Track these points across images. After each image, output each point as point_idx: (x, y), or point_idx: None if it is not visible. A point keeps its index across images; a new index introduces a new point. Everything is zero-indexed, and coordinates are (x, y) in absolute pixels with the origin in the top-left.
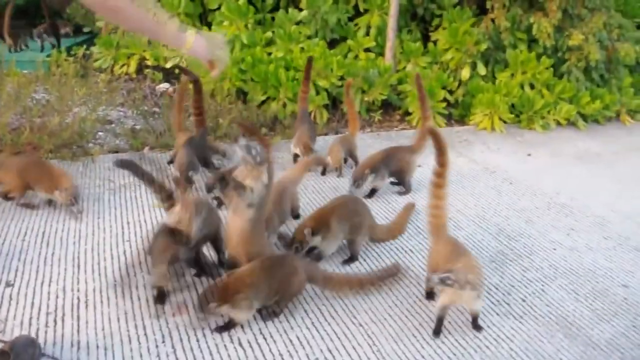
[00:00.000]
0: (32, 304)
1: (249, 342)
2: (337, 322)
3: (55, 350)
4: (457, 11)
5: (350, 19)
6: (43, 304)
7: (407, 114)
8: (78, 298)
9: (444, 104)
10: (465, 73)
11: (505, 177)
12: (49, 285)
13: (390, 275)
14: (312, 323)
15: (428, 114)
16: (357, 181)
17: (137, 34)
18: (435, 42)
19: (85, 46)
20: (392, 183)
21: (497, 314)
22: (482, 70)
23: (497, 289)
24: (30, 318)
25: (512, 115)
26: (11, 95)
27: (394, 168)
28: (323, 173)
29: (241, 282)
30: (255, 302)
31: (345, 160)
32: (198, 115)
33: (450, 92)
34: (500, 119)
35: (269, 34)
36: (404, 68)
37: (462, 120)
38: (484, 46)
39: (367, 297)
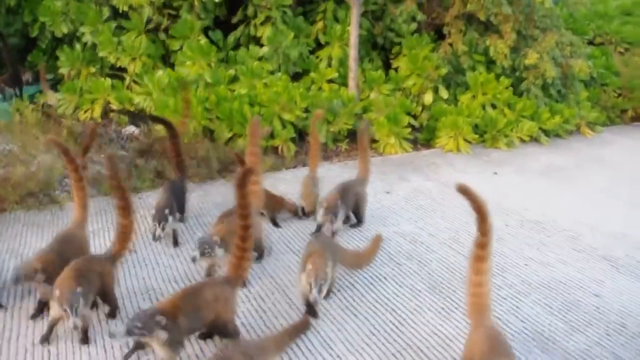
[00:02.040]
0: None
1: None
2: (313, 354)
3: None
4: (416, 38)
5: (312, 52)
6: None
7: (374, 141)
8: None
9: (409, 129)
10: (427, 97)
11: None
12: (17, 340)
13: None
14: (290, 357)
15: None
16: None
17: None
18: (396, 69)
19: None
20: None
21: None
22: (444, 93)
23: None
24: None
25: (477, 136)
26: None
27: (352, 203)
28: (299, 216)
29: None
30: None
31: None
32: (177, 158)
33: (415, 117)
34: (465, 140)
35: (232, 71)
36: (368, 96)
37: (428, 144)
38: (444, 70)
39: (343, 328)
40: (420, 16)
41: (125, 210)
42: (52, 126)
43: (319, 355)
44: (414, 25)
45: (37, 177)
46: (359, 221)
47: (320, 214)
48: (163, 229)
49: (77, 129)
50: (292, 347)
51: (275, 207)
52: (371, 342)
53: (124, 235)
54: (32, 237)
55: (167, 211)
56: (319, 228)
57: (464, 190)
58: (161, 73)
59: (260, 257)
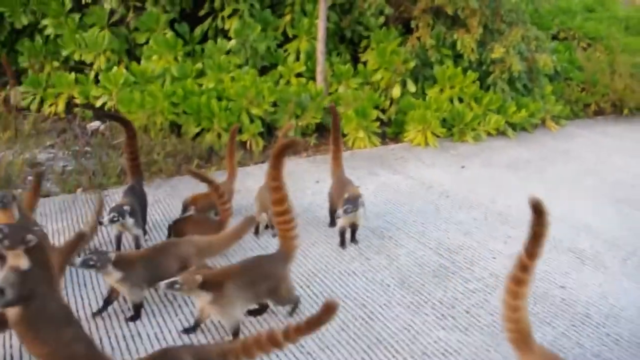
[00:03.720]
0: None
1: None
2: (285, 352)
3: None
4: (384, 32)
5: (280, 46)
6: None
7: (343, 135)
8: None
9: (377, 123)
10: (396, 91)
11: (442, 190)
12: None
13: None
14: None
15: (340, 146)
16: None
17: None
18: (365, 63)
19: (7, 87)
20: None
21: (443, 328)
22: (412, 87)
23: (441, 303)
24: None
25: (444, 130)
26: None
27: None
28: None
29: None
30: None
31: None
32: (133, 161)
33: (383, 111)
34: (433, 133)
35: (199, 65)
36: (336, 90)
37: (396, 138)
38: (412, 64)
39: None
40: (388, 10)
41: None
42: (13, 121)
43: (290, 353)
44: (381, 19)
45: None
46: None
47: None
48: (113, 221)
49: (43, 125)
50: None
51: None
52: (342, 338)
53: None
54: None
55: (126, 208)
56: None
57: (537, 206)
58: (119, 69)
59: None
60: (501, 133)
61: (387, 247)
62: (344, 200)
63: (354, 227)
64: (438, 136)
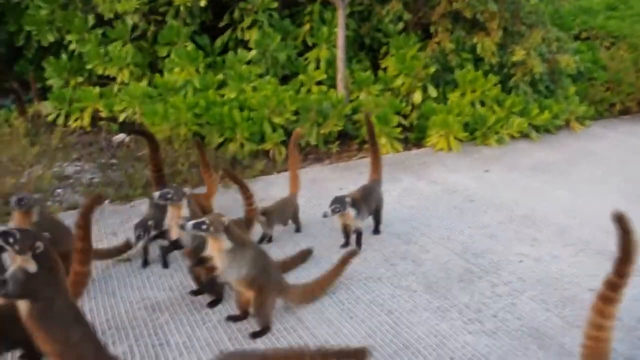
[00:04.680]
0: None
1: None
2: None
3: None
4: (403, 38)
5: (300, 54)
6: None
7: (364, 142)
8: None
9: (399, 129)
10: (417, 97)
11: (466, 195)
12: None
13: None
14: None
15: (377, 147)
16: (334, 205)
17: None
18: (385, 70)
19: (36, 103)
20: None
21: (470, 333)
22: (433, 92)
23: (467, 307)
24: None
25: (467, 134)
26: None
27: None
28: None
29: None
30: None
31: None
32: (157, 172)
33: (405, 117)
34: (455, 138)
35: (220, 76)
36: (357, 97)
37: (418, 143)
38: (432, 69)
39: (339, 331)
40: (406, 15)
41: None
42: (42, 136)
43: None
44: (400, 25)
45: (28, 188)
46: (378, 223)
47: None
48: (139, 238)
49: (69, 139)
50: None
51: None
52: (367, 344)
53: None
54: None
55: (150, 222)
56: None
57: (621, 221)
58: (139, 82)
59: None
60: (524, 136)
61: (413, 253)
62: (332, 200)
63: (357, 231)
64: (461, 140)
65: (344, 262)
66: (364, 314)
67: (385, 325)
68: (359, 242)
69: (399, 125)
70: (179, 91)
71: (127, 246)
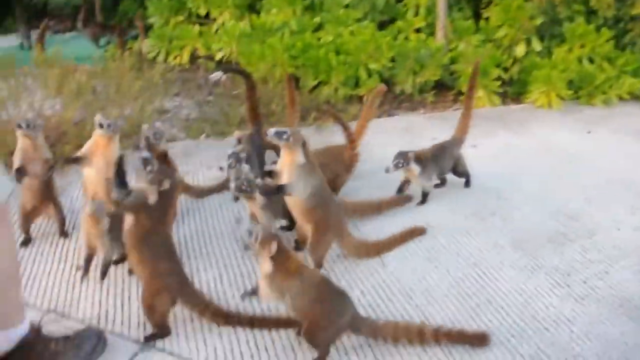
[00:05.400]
0: (101, 286)
1: None
2: (393, 303)
3: (123, 329)
4: None
5: (399, 0)
6: (111, 286)
7: (461, 93)
8: None
9: (499, 83)
10: (520, 50)
11: (564, 155)
12: (116, 269)
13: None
14: (370, 304)
15: (471, 102)
16: (397, 159)
17: None
18: (487, 19)
19: (139, 40)
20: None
21: (557, 296)
22: (537, 45)
23: (556, 270)
24: (100, 300)
25: (571, 92)
26: (74, 90)
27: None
28: None
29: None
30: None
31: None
32: (253, 111)
33: (505, 70)
34: (557, 95)
35: (317, 18)
36: (456, 47)
37: (517, 99)
38: (538, 21)
39: (424, 278)
40: None
41: None
42: (145, 71)
43: (399, 304)
44: None
45: (131, 120)
46: (467, 180)
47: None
48: (230, 167)
49: (169, 75)
50: (372, 294)
51: None
52: (451, 294)
53: None
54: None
55: (242, 155)
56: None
57: None
58: (237, 22)
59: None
60: (635, 97)
61: (503, 209)
62: (395, 154)
63: (423, 190)
64: (563, 98)
65: (409, 235)
66: (449, 264)
67: (470, 278)
68: (423, 200)
69: (499, 78)
70: (276, 32)
71: (222, 186)
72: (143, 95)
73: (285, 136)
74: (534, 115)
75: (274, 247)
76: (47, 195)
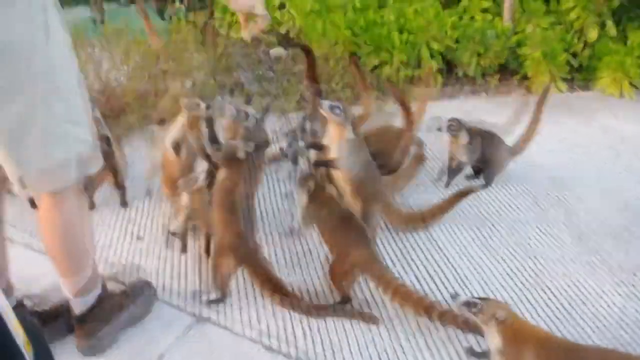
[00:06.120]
0: (159, 257)
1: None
2: (448, 289)
3: (179, 301)
4: None
5: None
6: (169, 258)
7: (526, 78)
8: (200, 255)
9: (567, 68)
10: (592, 33)
11: (636, 149)
12: (174, 242)
13: None
14: (424, 290)
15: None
16: (451, 122)
17: None
18: (558, 1)
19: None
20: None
21: (620, 295)
22: (612, 30)
23: (620, 268)
24: (158, 270)
25: None
26: (138, 62)
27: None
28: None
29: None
30: None
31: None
32: (313, 87)
33: (574, 55)
34: (631, 84)
35: None
36: (524, 30)
37: (586, 86)
38: (615, 2)
39: (479, 267)
40: None
41: None
42: (206, 45)
43: (450, 286)
44: None
45: (194, 94)
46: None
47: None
48: (290, 145)
49: (231, 49)
50: (426, 279)
51: None
52: (507, 285)
53: None
54: None
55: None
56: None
57: None
58: None
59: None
60: None
61: (567, 201)
62: (450, 118)
63: (458, 164)
64: (636, 87)
65: (454, 200)
66: (506, 254)
67: (527, 270)
68: (449, 179)
69: (567, 63)
70: (339, 9)
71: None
72: (205, 68)
73: (337, 111)
74: (603, 103)
75: (311, 184)
76: (108, 165)
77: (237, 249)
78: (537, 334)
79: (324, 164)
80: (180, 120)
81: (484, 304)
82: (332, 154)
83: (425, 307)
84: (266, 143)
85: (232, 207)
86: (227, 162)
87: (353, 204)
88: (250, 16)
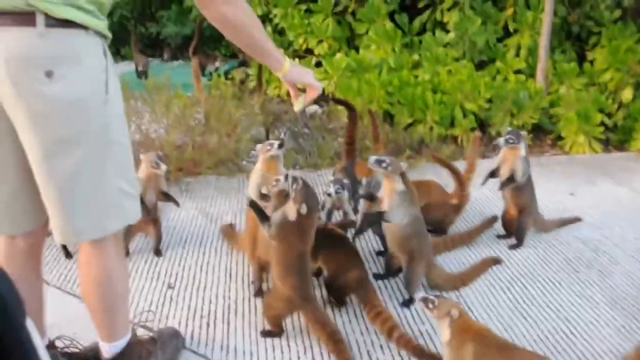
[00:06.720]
0: (189, 306)
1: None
2: None
3: (206, 351)
4: (619, 27)
5: (499, 40)
6: (198, 307)
7: (560, 138)
8: (229, 305)
9: (602, 128)
10: (626, 94)
11: None
12: (204, 291)
13: None
14: None
15: None
16: (510, 135)
17: (247, 52)
18: (592, 62)
19: (242, 69)
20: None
21: None
22: None
23: None
24: (187, 319)
25: None
26: (177, 115)
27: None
28: None
29: None
30: None
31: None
32: (350, 145)
33: (609, 116)
34: None
35: (415, 56)
36: (557, 90)
37: (621, 146)
38: None
39: (510, 328)
40: (627, 1)
41: None
42: (245, 101)
43: None
44: (617, 13)
45: (229, 147)
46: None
47: None
48: (337, 192)
49: (269, 106)
50: None
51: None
52: (539, 348)
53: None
54: (220, 200)
55: (346, 181)
56: None
57: None
58: (340, 55)
59: None
60: None
61: (600, 262)
62: (508, 130)
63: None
64: None
65: (486, 264)
66: (538, 316)
67: (560, 333)
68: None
69: (601, 124)
70: (374, 68)
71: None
72: (241, 124)
73: (384, 164)
74: (638, 164)
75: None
76: (152, 214)
77: (291, 300)
78: (478, 331)
79: (376, 218)
80: (258, 168)
81: (439, 301)
82: (384, 206)
83: None
84: (317, 204)
85: (289, 265)
86: (280, 229)
87: (397, 259)
88: (301, 87)
